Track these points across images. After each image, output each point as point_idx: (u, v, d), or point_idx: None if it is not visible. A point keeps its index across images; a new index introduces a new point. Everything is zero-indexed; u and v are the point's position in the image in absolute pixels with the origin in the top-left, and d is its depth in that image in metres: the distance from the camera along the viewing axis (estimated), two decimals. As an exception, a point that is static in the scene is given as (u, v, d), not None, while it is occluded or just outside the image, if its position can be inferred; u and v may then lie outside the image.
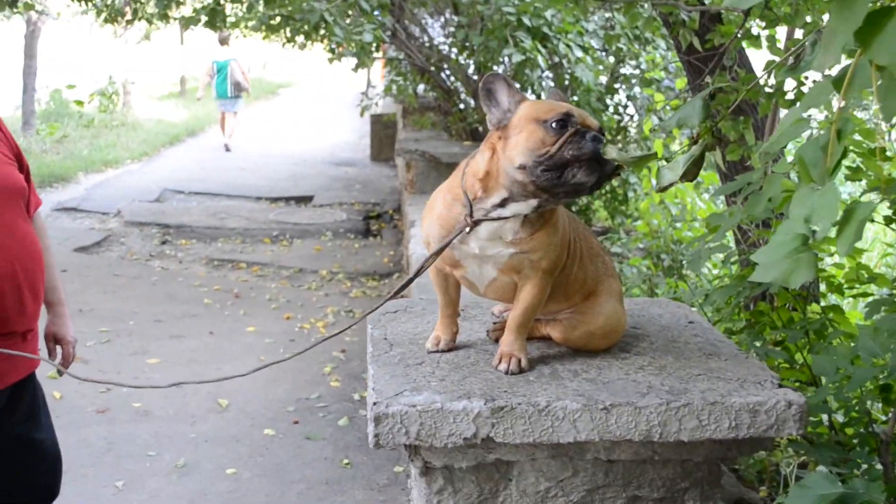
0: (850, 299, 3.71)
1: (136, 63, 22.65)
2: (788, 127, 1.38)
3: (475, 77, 9.50)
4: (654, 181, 2.09)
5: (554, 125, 1.86)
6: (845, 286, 3.57)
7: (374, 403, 1.83)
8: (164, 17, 8.67)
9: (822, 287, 3.92)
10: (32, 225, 2.79)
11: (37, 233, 2.83)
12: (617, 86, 9.43)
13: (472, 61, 9.17)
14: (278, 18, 7.73)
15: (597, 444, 1.90)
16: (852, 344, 2.75)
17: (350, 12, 7.15)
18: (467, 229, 1.96)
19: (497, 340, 2.18)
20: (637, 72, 8.53)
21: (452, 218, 2.00)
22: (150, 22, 9.75)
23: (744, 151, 3.99)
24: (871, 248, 7.31)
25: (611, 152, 1.77)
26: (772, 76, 3.69)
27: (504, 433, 1.83)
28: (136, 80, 22.00)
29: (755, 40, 4.10)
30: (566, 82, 8.52)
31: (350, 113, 9.73)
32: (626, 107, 9.04)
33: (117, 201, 11.61)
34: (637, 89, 8.86)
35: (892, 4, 1.19)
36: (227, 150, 16.45)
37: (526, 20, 6.73)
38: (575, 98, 8.69)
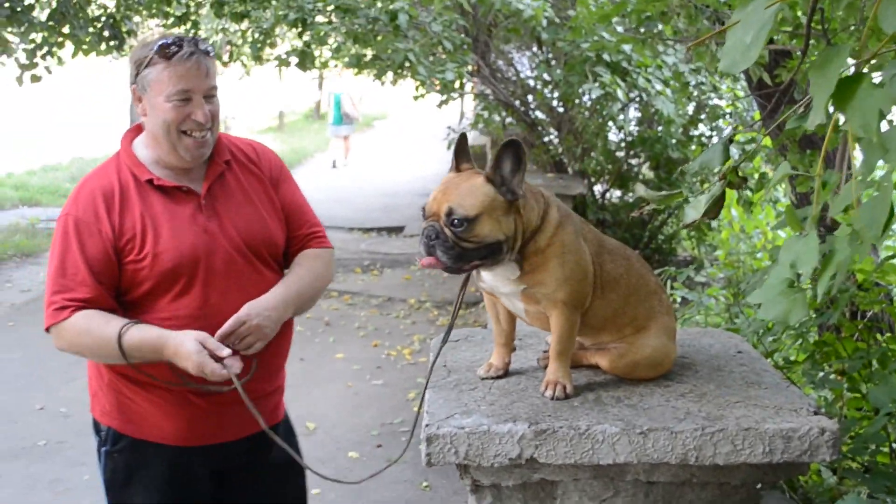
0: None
1: (236, 98, 23.38)
2: (844, 191, 1.47)
3: (560, 109, 9.64)
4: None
5: (422, 212, 2.05)
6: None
7: (427, 425, 1.98)
8: (258, 58, 9.07)
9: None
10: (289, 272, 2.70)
11: (309, 266, 2.71)
12: (702, 117, 9.44)
13: (555, 94, 9.32)
14: (368, 56, 8.02)
15: (636, 466, 2.00)
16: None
17: (435, 51, 7.39)
18: (474, 272, 2.12)
19: (546, 368, 2.31)
20: (721, 103, 8.53)
21: None
22: (244, 64, 10.21)
23: (812, 184, 4.02)
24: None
25: (639, 189, 1.90)
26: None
27: (547, 454, 1.95)
28: (237, 114, 22.75)
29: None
30: (653, 115, 8.60)
31: (442, 144, 10.03)
32: (710, 137, 9.03)
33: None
34: (720, 121, 8.87)
35: (863, 71, 1.30)
36: (334, 166, 19.33)
37: (605, 56, 6.82)
38: (659, 129, 8.76)
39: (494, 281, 2.12)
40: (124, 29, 8.80)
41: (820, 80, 1.28)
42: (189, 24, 8.46)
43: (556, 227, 2.08)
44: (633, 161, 9.49)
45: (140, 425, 2.57)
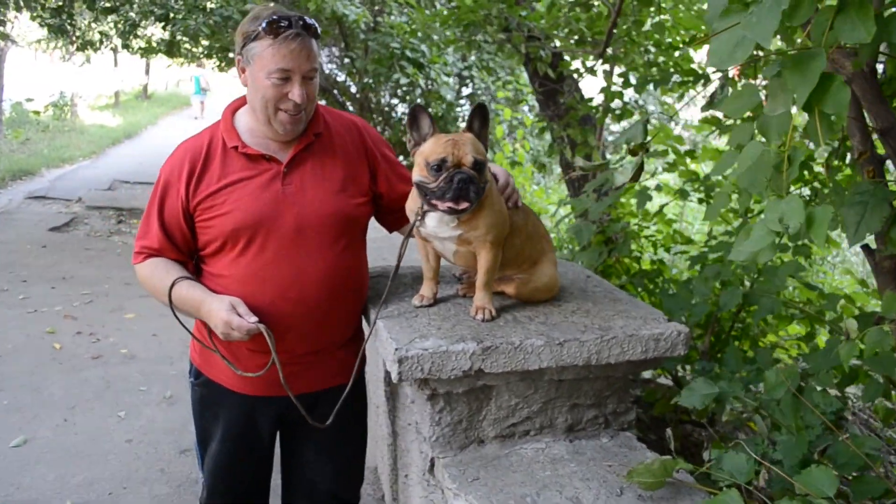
0: (666, 255, 3.86)
1: (77, 80, 20.92)
2: (725, 157, 1.40)
3: (358, 95, 9.33)
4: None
5: (433, 167, 1.80)
6: (663, 246, 3.72)
7: (396, 349, 1.77)
8: (126, 46, 8.04)
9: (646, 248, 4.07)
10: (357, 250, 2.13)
11: None
12: (462, 102, 9.48)
13: (353, 84, 8.98)
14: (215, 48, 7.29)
15: (552, 369, 1.91)
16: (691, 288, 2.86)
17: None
18: (419, 219, 1.92)
19: (465, 296, 2.16)
20: (482, 91, 8.58)
21: (416, 206, 1.95)
22: (115, 51, 9.06)
23: (587, 151, 4.09)
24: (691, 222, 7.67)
25: (578, 161, 1.77)
26: (606, 98, 3.77)
27: (490, 365, 1.81)
28: (82, 93, 20.41)
29: (594, 72, 4.19)
30: (426, 98, 8.51)
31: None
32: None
33: (77, 190, 10.78)
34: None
35: (832, 72, 1.22)
36: (196, 118, 21.91)
37: (408, 53, 6.61)
38: (434, 109, 8.69)
39: (437, 228, 1.91)
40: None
41: (799, 78, 1.18)
42: (64, 16, 7.29)
43: (490, 183, 1.92)
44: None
45: (213, 368, 2.13)
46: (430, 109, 8.97)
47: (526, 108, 9.03)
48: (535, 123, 6.04)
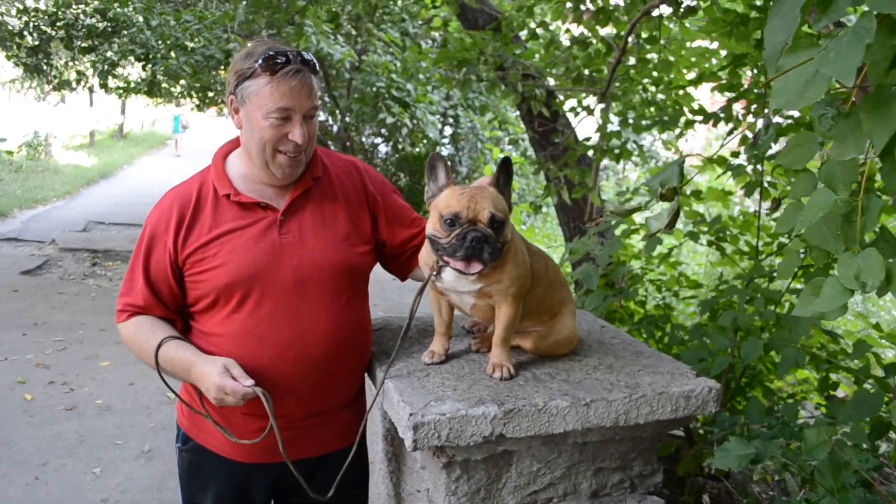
0: (673, 299, 3.75)
1: (51, 120, 20.67)
2: (786, 213, 1.28)
3: (340, 135, 9.24)
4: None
5: (446, 222, 1.68)
6: (667, 289, 3.61)
7: (411, 414, 1.61)
8: (104, 86, 7.86)
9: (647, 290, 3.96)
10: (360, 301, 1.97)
11: None
12: (445, 140, 9.43)
13: (336, 123, 8.90)
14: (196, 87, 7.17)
15: (577, 431, 1.76)
16: (707, 340, 2.70)
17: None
18: (434, 274, 1.78)
19: (478, 351, 2.01)
20: (466, 130, 8.54)
21: (430, 259, 1.82)
22: (91, 91, 8.90)
23: (585, 191, 3.99)
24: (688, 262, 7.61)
25: (609, 206, 1.65)
26: (598, 138, 3.69)
27: (513, 430, 1.66)
28: (57, 133, 20.13)
29: (591, 111, 4.12)
30: (411, 137, 8.43)
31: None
32: (459, 156, 9.03)
33: (50, 231, 10.51)
34: (464, 142, 8.87)
35: None
36: (178, 156, 22.72)
37: (394, 92, 6.54)
38: (418, 149, 8.61)
39: (456, 282, 1.77)
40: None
41: (879, 121, 1.07)
42: (41, 55, 7.12)
43: (511, 234, 1.79)
44: (401, 174, 9.30)
45: (203, 433, 1.95)
46: (414, 149, 8.90)
47: (510, 147, 9.00)
48: (523, 163, 5.97)
